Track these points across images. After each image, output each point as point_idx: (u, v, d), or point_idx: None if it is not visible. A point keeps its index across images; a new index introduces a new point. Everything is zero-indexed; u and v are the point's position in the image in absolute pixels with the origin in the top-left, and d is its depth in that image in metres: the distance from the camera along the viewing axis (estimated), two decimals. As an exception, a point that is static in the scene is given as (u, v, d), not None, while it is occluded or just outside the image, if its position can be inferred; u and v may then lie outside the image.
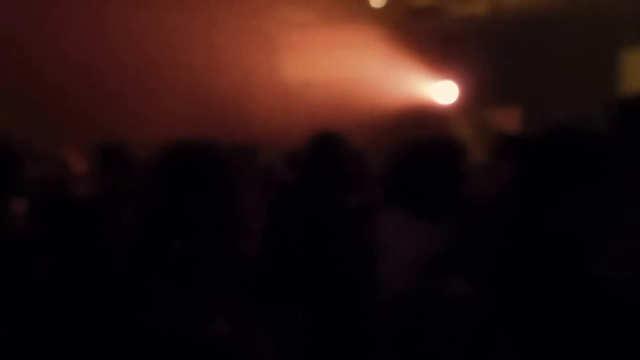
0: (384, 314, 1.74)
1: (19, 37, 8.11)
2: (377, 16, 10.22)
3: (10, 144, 2.72)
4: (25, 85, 8.04)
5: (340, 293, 2.51)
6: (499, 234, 1.49)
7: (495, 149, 4.09)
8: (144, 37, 9.16)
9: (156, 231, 1.25)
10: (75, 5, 8.64)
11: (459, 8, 10.49)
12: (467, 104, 11.47)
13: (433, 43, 10.82)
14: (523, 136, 4.70)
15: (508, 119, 10.42)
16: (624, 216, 1.33)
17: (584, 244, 1.33)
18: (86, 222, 2.71)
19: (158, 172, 1.33)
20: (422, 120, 10.54)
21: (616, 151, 1.42)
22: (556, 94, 9.43)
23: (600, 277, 1.31)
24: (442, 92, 11.66)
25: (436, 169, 2.06)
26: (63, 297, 2.24)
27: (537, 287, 1.35)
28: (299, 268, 2.61)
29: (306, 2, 9.42)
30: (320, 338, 2.36)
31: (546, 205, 1.42)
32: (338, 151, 3.12)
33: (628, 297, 1.28)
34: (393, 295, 1.76)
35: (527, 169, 1.48)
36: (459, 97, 11.63)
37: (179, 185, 1.27)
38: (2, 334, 1.84)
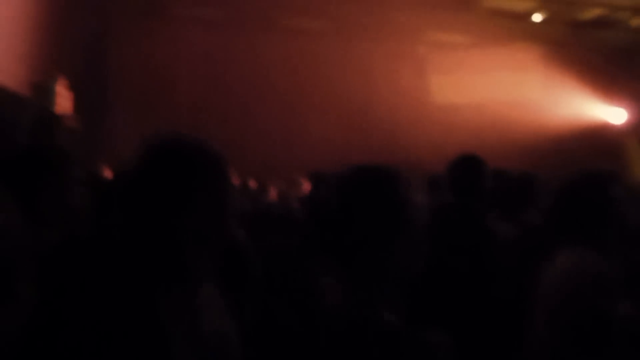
0: (551, 335, 1.68)
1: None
2: (537, 33, 9.69)
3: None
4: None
5: (495, 314, 2.41)
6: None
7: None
8: (303, 67, 9.77)
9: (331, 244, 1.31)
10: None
11: (633, 18, 9.52)
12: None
13: (601, 59, 10.01)
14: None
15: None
16: None
17: None
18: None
19: (344, 194, 1.35)
20: (588, 144, 9.75)
21: None
22: None
23: None
24: (611, 112, 10.69)
25: (604, 203, 1.93)
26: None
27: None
28: (453, 289, 2.56)
29: (459, 25, 9.28)
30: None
31: None
32: (479, 174, 3.03)
33: None
34: (557, 318, 1.70)
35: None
36: (631, 117, 10.58)
37: (361, 206, 1.30)
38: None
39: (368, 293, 1.27)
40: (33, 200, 1.87)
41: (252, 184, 5.57)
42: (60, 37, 6.77)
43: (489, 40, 9.88)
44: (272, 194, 5.76)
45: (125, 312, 1.13)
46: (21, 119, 4.47)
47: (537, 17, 9.33)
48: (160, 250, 1.19)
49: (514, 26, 9.41)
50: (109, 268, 1.20)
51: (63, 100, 5.25)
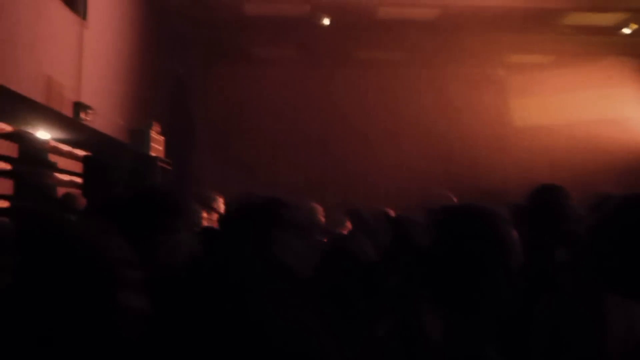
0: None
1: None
2: (624, 46, 9.19)
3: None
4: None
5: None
6: None
7: None
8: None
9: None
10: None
11: None
12: None
13: None
14: None
15: None
16: None
17: None
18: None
19: (446, 233, 1.38)
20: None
21: None
22: None
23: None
24: None
25: None
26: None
27: None
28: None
29: (540, 44, 9.01)
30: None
31: None
32: (558, 206, 2.89)
33: None
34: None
35: None
36: None
37: (461, 245, 1.32)
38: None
39: (470, 329, 1.27)
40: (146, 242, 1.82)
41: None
42: (150, 86, 7.27)
43: (573, 58, 9.50)
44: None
45: None
46: (121, 162, 4.81)
47: (627, 30, 8.85)
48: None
49: (601, 41, 8.99)
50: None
51: (157, 144, 5.60)
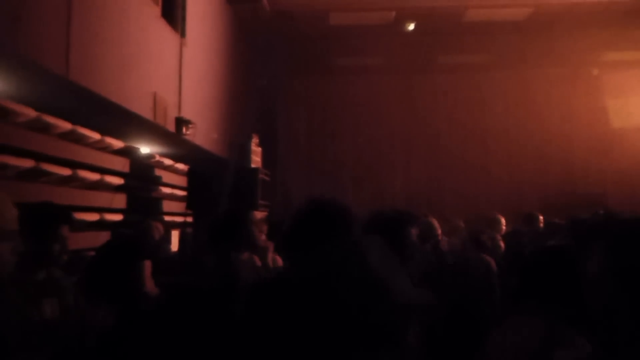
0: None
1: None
2: None
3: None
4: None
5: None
6: None
7: None
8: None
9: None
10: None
11: None
12: None
13: None
14: None
15: None
16: None
17: None
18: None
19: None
20: None
21: None
22: None
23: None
24: None
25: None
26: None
27: None
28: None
29: (635, 41, 8.33)
30: None
31: None
32: None
33: None
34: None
35: None
36: None
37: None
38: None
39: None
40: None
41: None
42: (243, 100, 7.29)
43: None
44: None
45: None
46: (223, 175, 4.78)
47: None
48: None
49: None
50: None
51: (256, 155, 5.56)
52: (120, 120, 4.01)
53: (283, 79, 9.45)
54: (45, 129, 3.54)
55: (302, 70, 9.33)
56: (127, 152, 4.69)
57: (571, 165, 9.14)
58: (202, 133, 5.55)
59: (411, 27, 7.62)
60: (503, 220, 5.03)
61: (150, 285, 2.00)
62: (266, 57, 8.61)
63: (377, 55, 8.90)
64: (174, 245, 5.20)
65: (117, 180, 4.42)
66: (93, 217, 4.04)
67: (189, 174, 5.15)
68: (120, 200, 4.59)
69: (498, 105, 9.43)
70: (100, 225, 4.09)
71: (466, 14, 7.52)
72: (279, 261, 3.43)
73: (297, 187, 8.87)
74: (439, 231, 3.98)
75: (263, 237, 3.69)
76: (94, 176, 4.04)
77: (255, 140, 5.54)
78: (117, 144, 4.44)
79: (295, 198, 8.28)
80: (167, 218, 5.28)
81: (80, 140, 3.91)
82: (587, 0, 7.16)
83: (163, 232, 3.96)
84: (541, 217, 5.02)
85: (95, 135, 4.04)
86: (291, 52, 8.66)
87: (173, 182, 5.65)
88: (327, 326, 1.02)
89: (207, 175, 5.04)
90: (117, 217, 4.35)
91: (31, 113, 3.32)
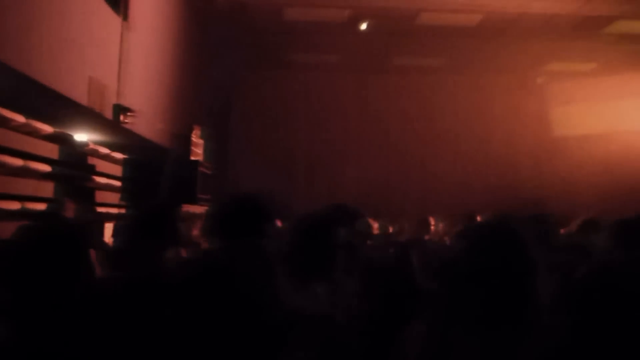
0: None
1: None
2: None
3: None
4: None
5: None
6: None
7: None
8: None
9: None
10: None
11: None
12: None
13: None
14: None
15: None
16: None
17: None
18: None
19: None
20: None
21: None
22: None
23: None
24: None
25: None
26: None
27: None
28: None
29: (582, 53, 8.57)
30: None
31: None
32: None
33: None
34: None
35: None
36: None
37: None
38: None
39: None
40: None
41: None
42: (191, 90, 7.04)
43: (615, 66, 9.02)
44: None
45: None
46: (162, 166, 4.56)
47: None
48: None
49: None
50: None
51: (197, 148, 5.35)
52: (47, 103, 3.74)
53: (238, 72, 9.24)
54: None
55: (258, 64, 9.14)
56: (58, 138, 4.40)
57: (516, 169, 9.32)
58: (146, 122, 5.29)
59: (364, 26, 7.55)
60: (432, 222, 5.06)
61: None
62: (220, 49, 8.36)
63: (333, 53, 8.81)
64: (108, 238, 4.94)
65: (44, 168, 4.13)
66: (14, 205, 3.75)
67: (124, 164, 4.90)
68: (47, 189, 4.30)
69: (448, 108, 9.52)
70: (23, 214, 3.81)
71: (419, 17, 7.51)
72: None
73: (249, 181, 8.68)
74: (376, 231, 3.91)
75: (195, 232, 3.51)
76: (17, 162, 3.75)
77: (197, 132, 5.33)
78: (46, 128, 4.14)
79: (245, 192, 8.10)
80: (101, 209, 5.01)
81: (2, 123, 3.62)
82: (534, 11, 7.26)
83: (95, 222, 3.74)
84: (479, 219, 5.03)
85: (19, 118, 3.75)
86: (247, 46, 8.46)
87: (110, 171, 5.37)
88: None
89: (144, 165, 4.81)
90: (42, 206, 4.06)
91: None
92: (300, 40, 8.15)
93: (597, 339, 1.22)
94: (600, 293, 1.29)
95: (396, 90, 9.55)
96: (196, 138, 5.28)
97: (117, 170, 5.39)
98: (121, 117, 4.86)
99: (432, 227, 5.24)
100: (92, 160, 4.93)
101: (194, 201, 4.65)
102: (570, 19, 7.48)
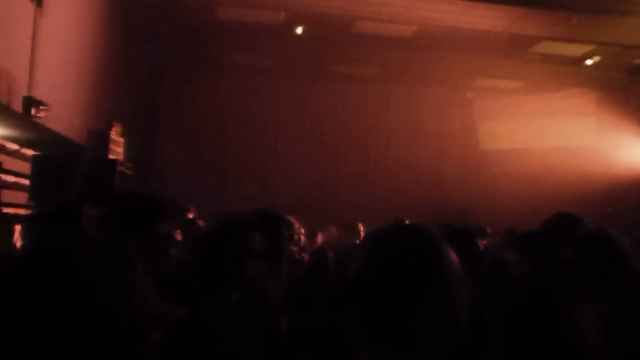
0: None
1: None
2: (590, 78, 9.16)
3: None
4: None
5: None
6: None
7: None
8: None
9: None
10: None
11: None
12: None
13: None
14: None
15: None
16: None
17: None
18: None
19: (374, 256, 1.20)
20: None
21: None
22: None
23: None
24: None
25: None
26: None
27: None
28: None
29: (510, 70, 8.86)
30: None
31: None
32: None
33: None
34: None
35: None
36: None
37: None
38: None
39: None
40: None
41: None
42: (113, 85, 6.64)
43: (538, 85, 9.41)
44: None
45: None
46: (76, 164, 4.21)
47: (590, 62, 8.82)
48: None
49: (566, 71, 8.91)
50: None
51: (116, 146, 5.01)
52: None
53: (167, 70, 8.87)
54: None
55: (189, 63, 8.81)
56: (-45, 131, 3.96)
57: (443, 180, 9.49)
58: (60, 117, 4.89)
59: (299, 30, 7.44)
60: (362, 228, 5.01)
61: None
62: (148, 45, 7.97)
63: (268, 56, 8.63)
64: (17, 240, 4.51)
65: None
66: None
67: (34, 161, 4.49)
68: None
69: (381, 117, 9.58)
70: None
71: (354, 25, 7.48)
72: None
73: (176, 182, 8.33)
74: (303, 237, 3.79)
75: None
76: None
77: (117, 129, 4.99)
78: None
79: (172, 193, 7.75)
80: (8, 210, 4.56)
81: None
82: (465, 26, 7.41)
83: None
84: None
85: None
86: (177, 43, 8.12)
87: (18, 169, 4.92)
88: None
89: (57, 163, 4.42)
90: None
91: None
92: (234, 41, 7.92)
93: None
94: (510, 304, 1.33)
95: (331, 96, 9.51)
96: (116, 136, 4.94)
97: (27, 168, 4.95)
98: (32, 111, 4.47)
99: (362, 234, 5.19)
100: (-2, 157, 4.50)
101: (109, 203, 4.30)
102: (497, 36, 7.70)
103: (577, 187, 8.86)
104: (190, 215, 3.60)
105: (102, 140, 4.63)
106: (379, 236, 1.22)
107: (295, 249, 3.81)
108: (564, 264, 2.34)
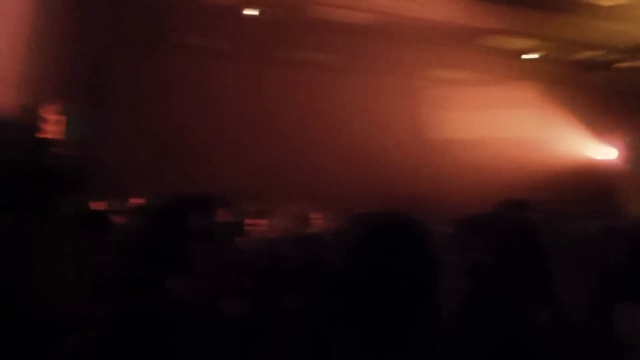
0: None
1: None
2: (533, 72, 9.46)
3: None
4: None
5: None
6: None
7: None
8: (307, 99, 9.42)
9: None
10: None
11: (629, 60, 9.38)
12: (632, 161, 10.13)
13: (594, 98, 9.80)
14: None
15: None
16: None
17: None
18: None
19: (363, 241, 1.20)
20: (582, 181, 9.42)
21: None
22: None
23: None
24: (604, 149, 10.42)
25: None
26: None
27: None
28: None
29: (459, 62, 9.01)
30: None
31: None
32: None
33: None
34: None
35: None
36: (622, 153, 10.33)
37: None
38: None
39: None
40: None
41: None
42: (53, 60, 6.30)
43: (485, 77, 9.63)
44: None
45: None
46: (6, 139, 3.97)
47: (530, 56, 9.14)
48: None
49: (511, 63, 9.18)
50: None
51: (52, 124, 4.76)
52: None
53: (115, 48, 8.51)
54: None
55: (136, 42, 8.48)
56: None
57: (391, 168, 9.57)
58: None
59: (254, 12, 7.29)
60: (311, 216, 4.96)
61: None
62: (94, 21, 7.61)
63: (219, 38, 8.42)
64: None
65: None
66: None
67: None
68: None
69: (336, 104, 9.56)
70: None
71: (309, 9, 7.41)
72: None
73: (124, 163, 8.03)
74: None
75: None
76: None
77: (56, 107, 4.75)
78: None
79: (124, 176, 7.49)
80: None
81: None
82: (418, 16, 7.47)
83: None
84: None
85: None
86: (125, 21, 7.80)
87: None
88: None
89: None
90: None
91: None
92: (184, 21, 7.68)
93: None
94: None
95: (285, 82, 9.39)
96: (52, 114, 4.69)
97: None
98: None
99: (311, 221, 5.15)
100: None
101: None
102: (449, 27, 7.81)
103: (520, 177, 9.15)
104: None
105: (34, 117, 4.37)
106: (371, 232, 1.20)
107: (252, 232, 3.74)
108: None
